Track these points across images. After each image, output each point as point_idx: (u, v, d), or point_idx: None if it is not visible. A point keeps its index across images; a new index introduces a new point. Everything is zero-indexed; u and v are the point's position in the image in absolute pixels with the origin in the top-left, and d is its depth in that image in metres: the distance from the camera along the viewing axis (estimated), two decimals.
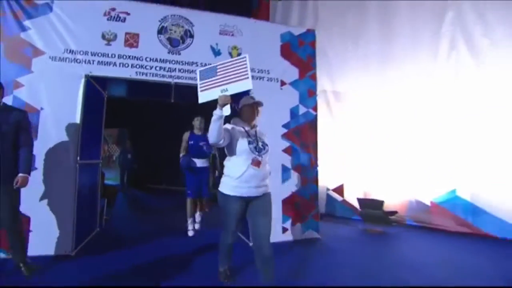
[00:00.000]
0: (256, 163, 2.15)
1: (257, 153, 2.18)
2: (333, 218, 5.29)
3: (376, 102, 5.36)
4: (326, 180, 5.54)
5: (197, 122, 4.07)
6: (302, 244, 3.66)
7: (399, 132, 5.08)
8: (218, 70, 2.17)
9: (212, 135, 2.02)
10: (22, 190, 2.56)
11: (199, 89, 2.20)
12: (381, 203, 4.53)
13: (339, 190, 5.52)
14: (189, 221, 4.02)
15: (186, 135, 4.08)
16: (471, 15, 4.60)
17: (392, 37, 5.31)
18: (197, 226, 4.18)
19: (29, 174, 2.54)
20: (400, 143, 5.05)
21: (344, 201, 5.44)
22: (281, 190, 3.78)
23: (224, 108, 2.01)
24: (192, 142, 4.00)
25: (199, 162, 4.02)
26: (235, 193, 2.16)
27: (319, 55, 6.07)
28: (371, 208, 4.51)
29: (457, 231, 4.33)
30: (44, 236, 3.01)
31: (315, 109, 4.12)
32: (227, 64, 2.17)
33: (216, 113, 1.99)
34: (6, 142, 2.45)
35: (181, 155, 4.04)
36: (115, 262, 2.96)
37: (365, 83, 5.50)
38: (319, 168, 4.21)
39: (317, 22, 6.20)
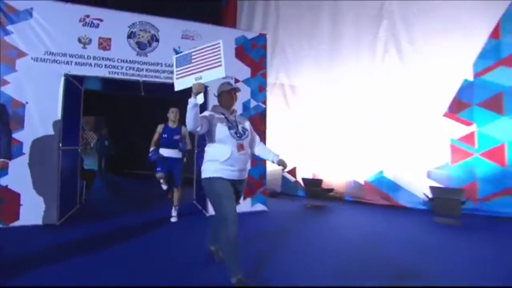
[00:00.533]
0: (240, 147, 2.22)
1: (237, 137, 2.22)
2: (287, 196, 6.18)
3: (324, 97, 6.18)
4: None
5: (172, 114, 4.08)
6: (252, 215, 4.47)
7: (342, 123, 5.95)
8: (193, 57, 2.18)
9: (189, 123, 2.04)
10: (14, 171, 3.13)
11: (175, 77, 2.22)
12: (320, 181, 5.40)
13: (293, 172, 6.38)
14: (161, 180, 4.07)
15: (160, 128, 4.08)
16: (400, 24, 5.45)
17: (340, 38, 6.08)
18: (174, 219, 4.08)
19: (9, 159, 2.77)
20: (343, 133, 5.93)
21: (297, 182, 6.30)
22: None
23: (198, 96, 2.02)
24: (165, 135, 4.01)
25: (172, 153, 4.00)
26: (221, 174, 2.18)
27: (279, 52, 6.83)
28: (313, 186, 5.37)
29: (381, 203, 5.31)
30: (33, 209, 3.64)
31: (265, 102, 4.84)
32: (201, 50, 2.18)
33: (191, 101, 2.00)
34: None
35: (151, 149, 3.99)
36: (93, 230, 3.61)
37: (316, 79, 6.29)
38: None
39: (278, 21, 6.88)
